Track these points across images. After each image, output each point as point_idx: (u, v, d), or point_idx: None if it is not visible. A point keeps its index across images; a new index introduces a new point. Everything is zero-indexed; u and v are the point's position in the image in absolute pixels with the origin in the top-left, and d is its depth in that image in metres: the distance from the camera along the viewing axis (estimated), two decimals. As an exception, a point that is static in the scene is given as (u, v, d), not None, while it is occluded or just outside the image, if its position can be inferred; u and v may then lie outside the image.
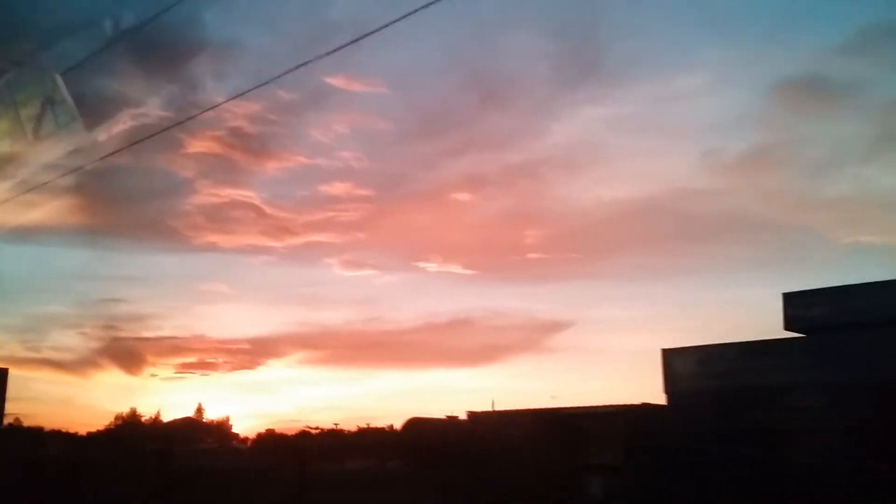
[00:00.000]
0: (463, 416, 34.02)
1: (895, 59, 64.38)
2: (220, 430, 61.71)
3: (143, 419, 70.47)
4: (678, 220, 77.28)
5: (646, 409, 24.95)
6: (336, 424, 60.69)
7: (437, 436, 31.91)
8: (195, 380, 77.97)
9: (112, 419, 70.20)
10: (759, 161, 72.74)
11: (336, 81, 50.24)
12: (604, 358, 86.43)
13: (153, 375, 76.88)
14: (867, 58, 62.53)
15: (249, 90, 13.18)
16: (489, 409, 30.70)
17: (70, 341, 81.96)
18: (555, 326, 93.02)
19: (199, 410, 64.81)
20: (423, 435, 32.73)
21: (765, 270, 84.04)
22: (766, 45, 68.39)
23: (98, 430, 61.28)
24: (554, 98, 76.87)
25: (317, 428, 56.12)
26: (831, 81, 72.20)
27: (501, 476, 25.59)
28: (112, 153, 16.97)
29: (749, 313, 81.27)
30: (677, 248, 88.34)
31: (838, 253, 75.45)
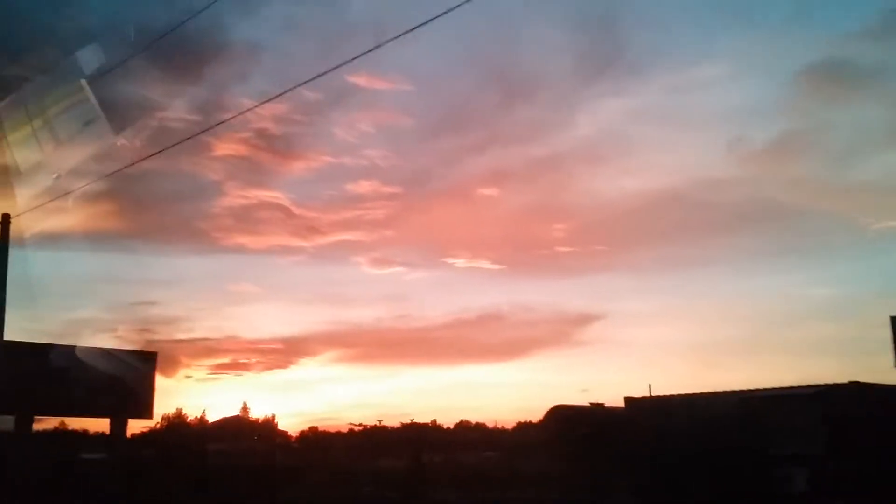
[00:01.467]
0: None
1: None
2: (266, 427, 61.25)
3: (188, 420, 70.91)
4: (703, 210, 73.09)
5: (854, 388, 21.03)
6: (412, 419, 59.67)
7: (590, 424, 28.99)
8: (230, 380, 78.15)
9: (158, 420, 71.15)
10: (783, 149, 67.37)
11: (359, 80, 49.14)
12: (633, 350, 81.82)
13: (188, 377, 77.58)
14: (890, 42, 60.08)
15: (276, 96, 11.66)
16: (646, 394, 27.41)
17: (104, 345, 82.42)
18: (584, 319, 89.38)
19: (245, 409, 64.22)
20: (573, 424, 29.88)
21: (792, 258, 77.66)
22: (787, 32, 65.27)
23: (143, 431, 61.63)
24: (575, 91, 73.89)
25: (370, 425, 54.87)
26: (854, 67, 66.46)
27: (676, 469, 22.36)
28: (141, 159, 15.90)
29: (777, 301, 75.34)
30: (702, 238, 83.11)
31: (867, 239, 69.25)
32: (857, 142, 68.42)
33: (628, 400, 27.08)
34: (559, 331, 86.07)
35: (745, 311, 78.46)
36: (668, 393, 26.48)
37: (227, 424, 60.58)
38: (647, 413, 25.36)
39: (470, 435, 67.24)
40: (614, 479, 24.94)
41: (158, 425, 71.17)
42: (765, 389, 23.46)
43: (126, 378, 17.82)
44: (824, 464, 20.35)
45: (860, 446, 19.94)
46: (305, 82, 11.30)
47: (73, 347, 16.72)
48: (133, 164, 14.61)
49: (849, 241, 71.84)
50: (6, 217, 16.09)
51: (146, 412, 18.58)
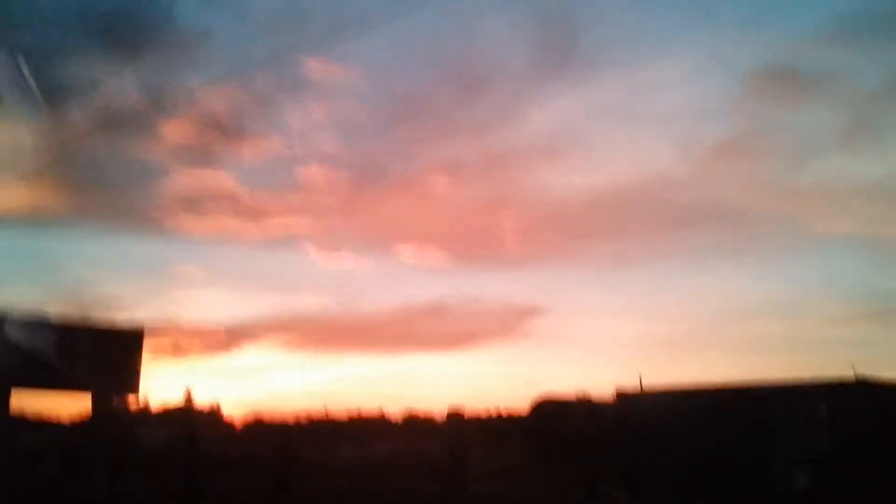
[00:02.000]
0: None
1: (870, 49, 61.67)
2: (212, 416, 60.10)
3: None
4: (655, 209, 74.10)
5: (859, 385, 20.29)
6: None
7: (577, 419, 28.10)
8: (169, 365, 76.20)
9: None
10: (735, 150, 68.81)
11: (313, 67, 48.50)
12: (581, 344, 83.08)
13: None
14: (843, 47, 59.84)
15: (225, 78, 10.56)
16: (637, 386, 26.51)
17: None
18: (532, 312, 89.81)
19: (188, 394, 61.87)
20: (558, 419, 28.99)
21: (741, 258, 79.23)
22: (743, 34, 66.29)
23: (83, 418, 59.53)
24: (531, 86, 74.44)
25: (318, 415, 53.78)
26: (807, 70, 68.14)
27: (672, 465, 21.49)
28: (83, 137, 15.48)
29: (726, 301, 76.89)
30: (654, 235, 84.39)
31: (813, 241, 70.99)
32: (806, 145, 69.51)
33: (619, 393, 26.15)
34: (506, 323, 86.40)
35: (692, 307, 79.58)
36: (654, 385, 25.66)
37: (171, 411, 58.89)
38: (640, 407, 24.44)
39: (421, 425, 66.61)
40: (604, 475, 24.07)
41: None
42: (766, 384, 22.66)
43: (112, 353, 16.50)
44: (827, 462, 19.60)
45: (864, 444, 19.23)
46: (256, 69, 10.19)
47: (52, 318, 15.22)
48: (74, 141, 14.16)
49: (795, 243, 73.29)
50: None
51: (132, 389, 17.05)
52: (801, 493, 19.49)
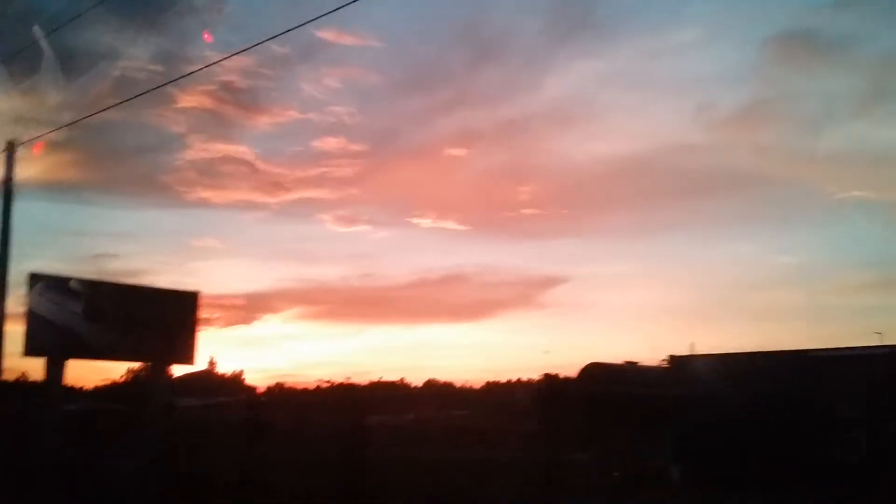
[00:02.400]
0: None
1: (889, 13, 56.56)
2: (235, 383, 60.86)
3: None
4: (671, 176, 72.16)
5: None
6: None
7: (628, 384, 28.07)
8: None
9: (125, 373, 69.91)
10: (752, 116, 66.21)
11: (327, 35, 47.37)
12: (597, 314, 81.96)
13: None
14: (861, 11, 58.34)
15: (242, 50, 10.71)
16: (689, 353, 26.36)
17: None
18: (548, 282, 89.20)
19: (212, 363, 62.88)
20: (609, 383, 28.97)
21: (757, 226, 76.80)
22: None
23: (107, 385, 60.36)
24: (546, 52, 72.25)
25: (338, 383, 54.18)
26: (825, 35, 64.85)
27: (726, 432, 21.41)
28: (103, 109, 15.11)
29: (744, 269, 74.50)
30: (670, 203, 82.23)
31: (831, 208, 68.19)
32: (826, 111, 67.15)
33: (673, 359, 26.06)
34: (523, 293, 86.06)
35: (709, 277, 78.19)
36: (708, 352, 25.47)
37: (194, 379, 60.05)
38: (694, 373, 24.34)
39: (442, 392, 67.01)
40: (655, 443, 24.07)
41: (123, 378, 69.70)
42: (823, 349, 22.38)
43: (166, 320, 15.61)
44: (886, 428, 19.33)
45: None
46: (273, 37, 10.69)
47: (108, 283, 14.77)
48: (94, 114, 14.11)
49: (813, 210, 71.23)
50: (11, 145, 14.87)
51: (188, 357, 16.16)
52: (860, 458, 19.29)
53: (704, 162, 71.99)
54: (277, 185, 69.27)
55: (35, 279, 13.61)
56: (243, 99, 64.56)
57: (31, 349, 13.75)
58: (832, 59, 65.90)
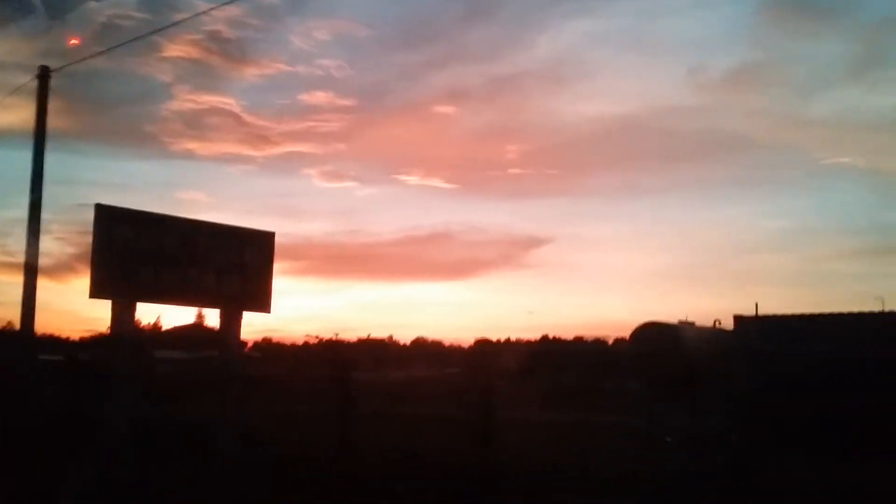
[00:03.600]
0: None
1: None
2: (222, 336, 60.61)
3: (142, 325, 68.57)
4: (660, 138, 69.45)
5: None
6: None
7: (687, 345, 26.52)
8: None
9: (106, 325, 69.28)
10: (744, 79, 62.85)
11: None
12: (583, 275, 79.48)
13: None
14: None
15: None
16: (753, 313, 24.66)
17: (45, 246, 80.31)
18: (533, 242, 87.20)
19: (200, 316, 62.40)
20: (666, 344, 27.49)
21: (746, 189, 73.59)
22: None
23: (92, 336, 59.87)
24: (539, 10, 69.24)
25: (327, 338, 52.41)
26: (818, 0, 59.74)
27: (797, 395, 19.80)
28: (86, 58, 13.98)
29: (732, 233, 71.44)
30: (658, 165, 79.11)
31: (819, 173, 64.94)
32: (817, 76, 64.21)
33: (738, 319, 24.39)
34: (508, 252, 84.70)
35: (697, 239, 75.70)
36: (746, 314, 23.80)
37: (183, 332, 59.71)
38: (763, 334, 22.66)
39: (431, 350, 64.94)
40: (715, 404, 22.59)
41: (109, 331, 69.84)
42: (880, 312, 20.70)
43: (242, 261, 13.51)
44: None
45: None
46: None
47: (180, 219, 13.02)
48: (78, 61, 13.01)
49: (801, 175, 68.53)
50: (45, 70, 13.83)
51: (264, 304, 13.75)
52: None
53: (695, 124, 69.64)
54: (264, 139, 68.27)
55: (102, 211, 11.86)
56: (230, 49, 62.79)
57: (98, 290, 11.79)
58: (826, 23, 62.63)
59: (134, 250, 11.98)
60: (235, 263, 13.44)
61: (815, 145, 69.96)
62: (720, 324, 27.30)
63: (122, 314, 12.06)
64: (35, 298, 14.22)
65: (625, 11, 68.13)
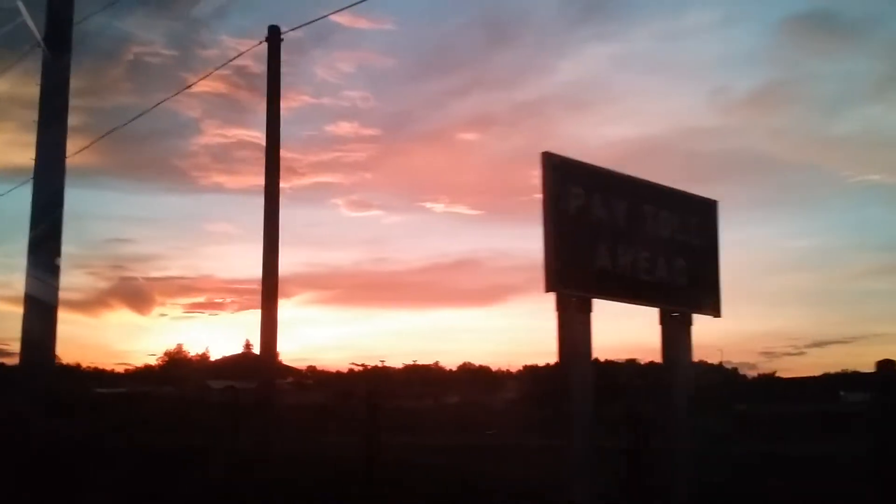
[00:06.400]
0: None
1: None
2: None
3: (189, 356, 70.22)
4: (685, 159, 73.36)
5: None
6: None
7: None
8: (204, 319, 77.89)
9: (158, 356, 73.14)
10: (767, 99, 67.18)
11: (341, 19, 50.02)
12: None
13: (162, 315, 77.93)
14: None
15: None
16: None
17: (78, 281, 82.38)
18: None
19: (248, 346, 63.93)
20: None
21: (772, 209, 77.36)
22: None
23: (137, 368, 61.06)
24: (560, 35, 73.62)
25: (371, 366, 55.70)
26: (842, 18, 65.64)
27: None
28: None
29: (758, 253, 74.77)
30: (683, 187, 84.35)
31: (846, 192, 68.59)
32: (841, 94, 68.04)
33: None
34: (536, 277, 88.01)
35: (725, 260, 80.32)
36: None
37: (233, 361, 61.75)
38: None
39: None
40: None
41: (161, 361, 69.82)
42: None
43: (688, 241, 9.33)
44: None
45: None
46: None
47: (625, 176, 8.81)
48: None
49: (827, 194, 71.38)
50: (275, 30, 13.97)
51: (714, 305, 9.45)
52: None
53: (718, 145, 72.71)
54: (291, 170, 70.97)
55: (552, 163, 8.75)
56: (257, 83, 66.49)
57: (558, 280, 8.06)
58: (848, 41, 66.25)
59: (588, 223, 8.44)
60: (681, 242, 9.24)
61: (840, 164, 73.68)
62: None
63: (575, 317, 7.97)
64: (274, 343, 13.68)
65: (646, 35, 71.84)
